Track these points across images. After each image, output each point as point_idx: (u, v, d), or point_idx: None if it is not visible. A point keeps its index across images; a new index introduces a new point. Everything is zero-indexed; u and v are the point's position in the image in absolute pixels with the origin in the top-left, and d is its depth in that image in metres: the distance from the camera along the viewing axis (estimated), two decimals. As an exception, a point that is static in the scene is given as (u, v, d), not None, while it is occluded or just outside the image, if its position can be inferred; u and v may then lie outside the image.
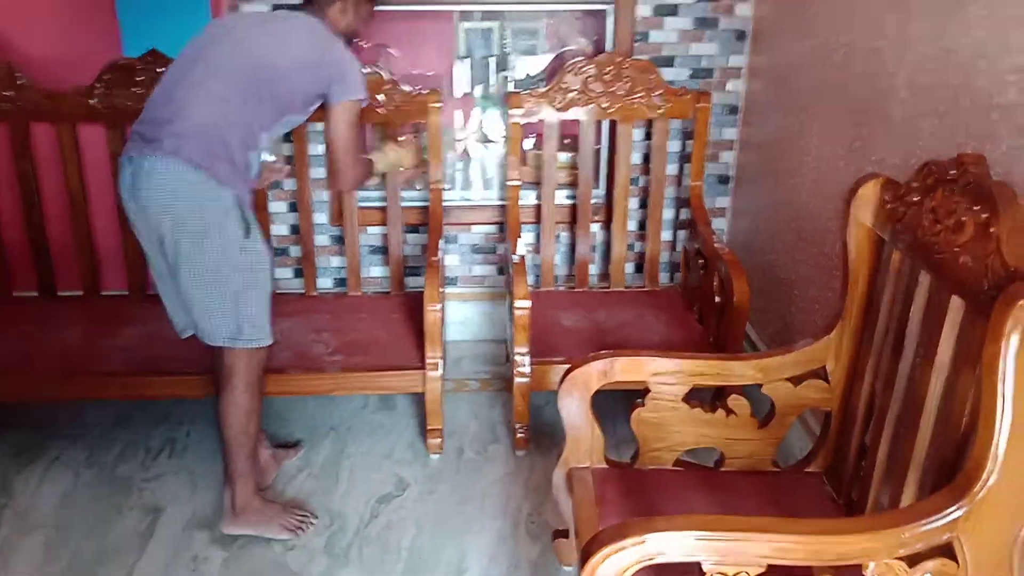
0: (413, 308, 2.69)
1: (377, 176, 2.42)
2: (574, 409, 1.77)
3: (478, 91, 3.13)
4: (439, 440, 2.43)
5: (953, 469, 1.26)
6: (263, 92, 1.98)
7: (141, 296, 2.79)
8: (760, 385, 1.77)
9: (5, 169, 2.73)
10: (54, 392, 2.37)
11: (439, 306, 2.33)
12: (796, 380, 1.77)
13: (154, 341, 2.46)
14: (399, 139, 2.57)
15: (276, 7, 2.70)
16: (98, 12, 2.67)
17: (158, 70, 2.55)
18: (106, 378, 2.34)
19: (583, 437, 1.80)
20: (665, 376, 1.77)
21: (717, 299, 2.40)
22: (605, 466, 1.82)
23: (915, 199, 1.48)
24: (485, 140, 3.27)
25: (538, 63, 3.09)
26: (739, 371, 1.77)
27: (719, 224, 2.97)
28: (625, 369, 1.76)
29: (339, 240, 3.00)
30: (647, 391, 1.78)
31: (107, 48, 2.66)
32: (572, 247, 3.02)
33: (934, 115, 1.67)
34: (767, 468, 1.83)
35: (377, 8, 2.73)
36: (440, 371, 2.35)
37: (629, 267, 3.02)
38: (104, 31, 2.68)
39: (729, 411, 1.80)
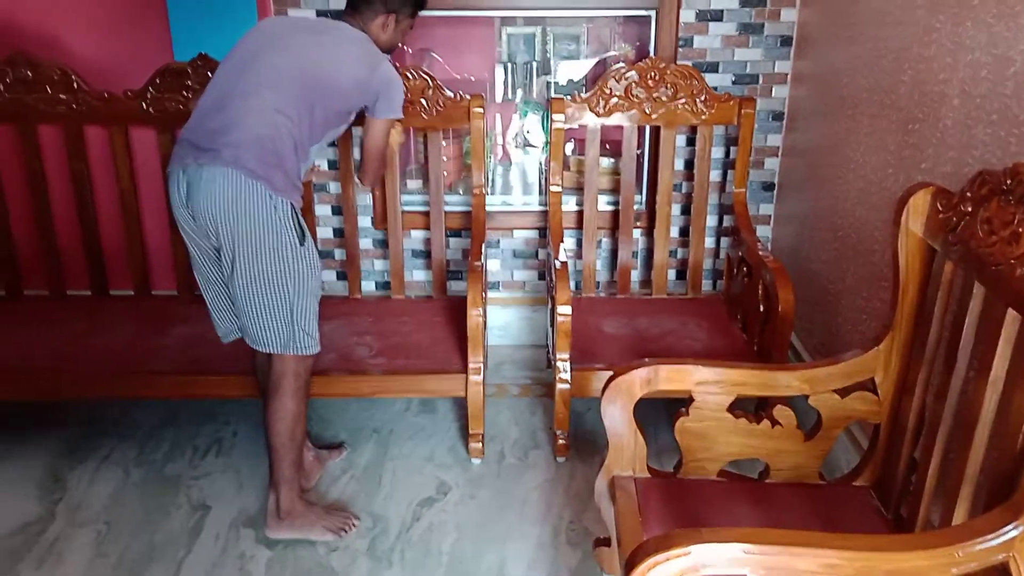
0: (455, 312, 2.71)
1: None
2: (617, 417, 1.77)
3: (519, 96, 3.15)
4: (480, 445, 2.44)
5: (1009, 486, 1.24)
6: (316, 107, 2.01)
7: (190, 296, 2.84)
8: (806, 396, 1.75)
9: (60, 170, 2.81)
10: (105, 390, 2.43)
11: (481, 311, 2.34)
12: (843, 392, 1.75)
13: (202, 342, 2.51)
14: None
15: (320, 13, 2.74)
16: (150, 17, 2.74)
17: (208, 74, 2.60)
18: (155, 377, 2.39)
19: (626, 445, 1.79)
20: (709, 385, 1.75)
21: (761, 308, 2.37)
22: (648, 475, 1.81)
23: (968, 209, 1.45)
24: (526, 144, 3.29)
25: (580, 68, 3.10)
26: (785, 382, 1.75)
27: (763, 231, 2.94)
28: (669, 378, 1.75)
29: (382, 244, 3.03)
30: (691, 400, 1.77)
31: (159, 52, 2.73)
32: (613, 253, 3.01)
33: (987, 123, 1.64)
34: (813, 481, 1.81)
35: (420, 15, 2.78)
36: (482, 376, 2.36)
37: (671, 274, 3.00)
38: (156, 36, 2.74)
39: (775, 422, 1.78)
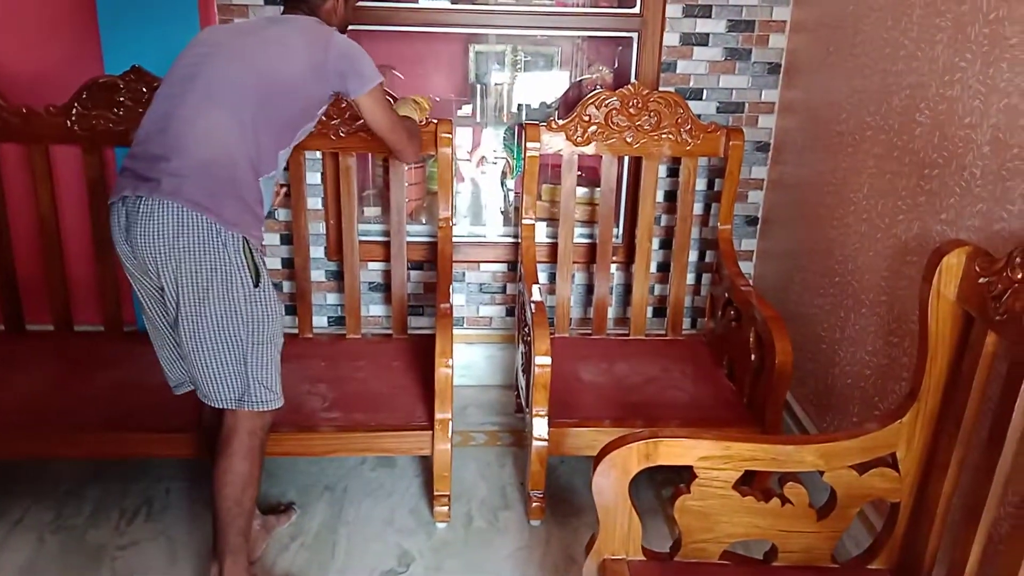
0: (417, 354, 2.48)
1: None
2: (609, 493, 1.57)
3: (488, 118, 2.93)
4: (446, 508, 2.20)
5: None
6: (274, 110, 1.78)
7: (118, 333, 2.56)
8: (820, 471, 1.57)
9: (-30, 193, 2.49)
10: (17, 450, 2.10)
11: (451, 361, 2.11)
12: (861, 468, 1.57)
13: (131, 390, 2.22)
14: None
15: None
16: (77, 25, 2.45)
17: (142, 89, 2.33)
18: (77, 434, 2.09)
19: (619, 525, 1.59)
20: (715, 460, 1.56)
21: (753, 357, 2.20)
22: (643, 558, 1.61)
23: (1019, 277, 1.29)
24: (487, 161, 3.06)
25: (553, 90, 2.89)
26: (798, 457, 1.56)
27: (745, 267, 2.76)
28: (669, 452, 1.55)
29: (336, 276, 2.77)
30: (692, 476, 1.57)
31: (87, 64, 2.44)
32: (587, 288, 2.82)
33: (1025, 176, 1.48)
34: (825, 563, 1.63)
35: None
36: (449, 432, 2.13)
37: (647, 312, 2.81)
38: (84, 45, 2.45)
39: (785, 500, 1.59)
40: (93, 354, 2.45)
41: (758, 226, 2.78)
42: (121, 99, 2.34)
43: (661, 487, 2.38)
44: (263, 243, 1.83)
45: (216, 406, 1.80)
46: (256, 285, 1.75)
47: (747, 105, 2.64)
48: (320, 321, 2.84)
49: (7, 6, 2.45)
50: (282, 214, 2.70)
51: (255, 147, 1.76)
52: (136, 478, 2.37)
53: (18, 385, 2.26)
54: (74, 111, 2.34)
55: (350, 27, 2.10)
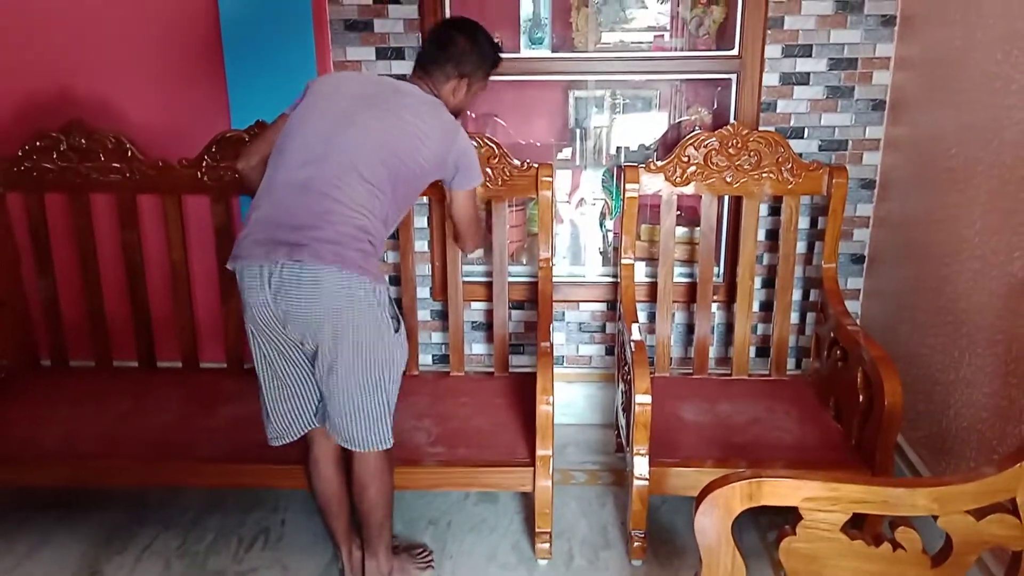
0: (518, 392, 2.53)
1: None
2: (712, 533, 1.55)
3: (587, 160, 2.99)
4: (548, 545, 2.22)
5: None
6: (401, 189, 1.91)
7: (239, 370, 2.71)
8: (934, 516, 1.52)
9: (111, 238, 2.72)
10: (148, 479, 2.27)
11: (552, 398, 2.15)
12: (979, 513, 1.51)
13: (250, 425, 2.33)
14: None
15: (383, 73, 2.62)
16: (208, 81, 2.65)
17: (265, 143, 2.50)
18: (201, 465, 2.24)
19: (722, 565, 1.57)
20: (821, 502, 1.53)
21: (861, 398, 2.15)
22: (747, 601, 1.59)
23: None
24: (591, 204, 3.11)
25: (651, 132, 2.93)
26: (909, 500, 1.51)
27: (851, 307, 2.70)
28: (773, 492, 1.53)
29: (440, 315, 2.87)
30: (798, 517, 1.55)
31: (216, 117, 2.64)
32: (687, 328, 2.81)
33: None
34: (941, 613, 1.57)
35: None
36: (551, 469, 2.16)
37: (750, 351, 2.78)
38: (214, 100, 2.65)
39: (896, 545, 1.55)
40: (217, 389, 2.61)
41: (864, 264, 2.72)
42: (246, 151, 2.52)
43: (766, 531, 2.33)
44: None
45: (360, 450, 1.92)
46: (397, 331, 1.89)
47: (851, 142, 2.60)
48: (425, 359, 2.94)
49: (146, 66, 2.68)
50: (391, 257, 2.82)
51: (385, 217, 1.89)
52: (253, 507, 2.50)
53: (149, 420, 2.43)
54: (204, 163, 2.54)
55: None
